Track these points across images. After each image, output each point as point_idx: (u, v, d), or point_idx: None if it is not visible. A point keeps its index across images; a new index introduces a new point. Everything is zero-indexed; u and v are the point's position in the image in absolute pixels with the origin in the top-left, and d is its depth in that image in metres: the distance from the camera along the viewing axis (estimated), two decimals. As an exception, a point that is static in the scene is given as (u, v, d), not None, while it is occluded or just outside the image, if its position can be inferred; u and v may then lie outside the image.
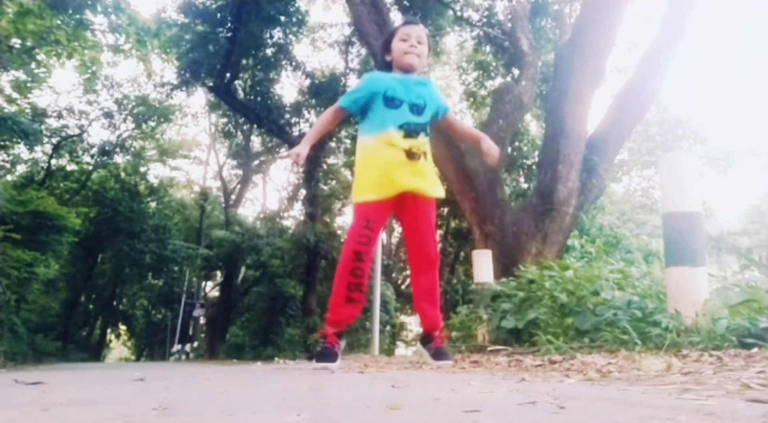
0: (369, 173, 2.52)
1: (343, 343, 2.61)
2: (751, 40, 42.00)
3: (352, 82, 14.68)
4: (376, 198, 2.47)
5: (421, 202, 2.53)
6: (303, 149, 2.56)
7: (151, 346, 27.81)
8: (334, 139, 15.81)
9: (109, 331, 26.32)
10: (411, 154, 2.49)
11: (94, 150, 19.32)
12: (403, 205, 2.53)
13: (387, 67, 2.73)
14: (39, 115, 16.55)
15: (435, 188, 2.56)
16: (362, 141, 2.60)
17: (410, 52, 2.62)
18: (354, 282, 2.46)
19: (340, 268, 2.49)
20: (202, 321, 22.48)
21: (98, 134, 33.64)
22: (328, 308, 2.57)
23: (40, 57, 13.69)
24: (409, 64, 2.62)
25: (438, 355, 2.54)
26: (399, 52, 2.64)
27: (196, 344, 22.03)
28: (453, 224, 16.58)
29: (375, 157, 2.51)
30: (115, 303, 25.09)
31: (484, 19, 11.86)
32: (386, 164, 2.48)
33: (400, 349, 19.77)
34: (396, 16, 11.90)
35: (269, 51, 13.84)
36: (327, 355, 2.46)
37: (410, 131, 2.52)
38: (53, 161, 18.86)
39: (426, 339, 2.63)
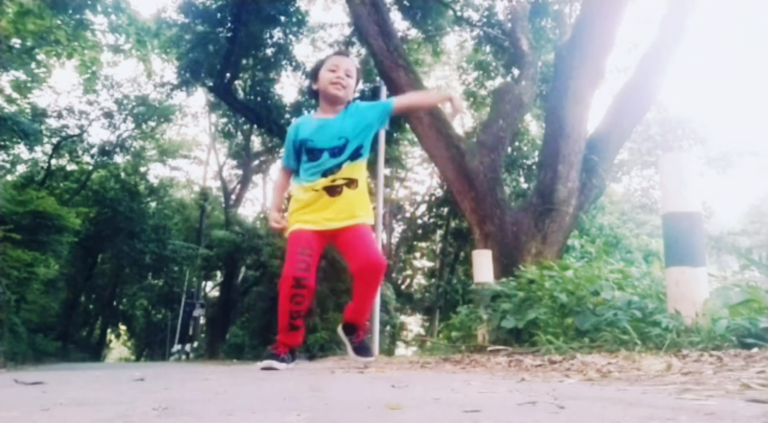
0: (297, 213, 2.65)
1: (292, 364, 2.70)
2: (751, 40, 42.02)
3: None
4: (307, 228, 2.58)
5: (350, 228, 2.61)
6: (276, 216, 2.78)
7: (151, 346, 27.81)
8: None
9: (109, 331, 26.34)
10: (332, 190, 2.60)
11: (94, 150, 19.35)
12: (336, 235, 2.64)
13: (313, 95, 2.80)
14: (39, 115, 16.57)
15: (362, 217, 2.63)
16: (293, 186, 2.76)
17: (337, 83, 2.63)
18: (294, 310, 2.50)
19: (281, 296, 2.53)
20: (202, 321, 22.47)
21: (98, 134, 33.71)
22: (278, 329, 2.63)
23: (40, 57, 13.70)
24: (335, 95, 2.66)
25: (360, 349, 2.71)
26: (325, 82, 2.65)
27: (196, 344, 22.03)
28: (453, 224, 16.57)
29: (301, 201, 2.65)
30: (115, 303, 25.10)
31: (484, 19, 11.85)
32: (310, 207, 2.62)
33: (400, 349, 19.77)
34: (396, 16, 11.91)
35: (269, 51, 13.83)
36: (275, 357, 2.58)
37: (330, 172, 2.61)
38: (53, 161, 18.87)
39: (349, 328, 2.76)
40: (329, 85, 2.63)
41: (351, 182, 2.61)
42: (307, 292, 2.49)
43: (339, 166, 2.60)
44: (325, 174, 2.60)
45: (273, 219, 2.77)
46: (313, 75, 2.75)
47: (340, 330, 2.82)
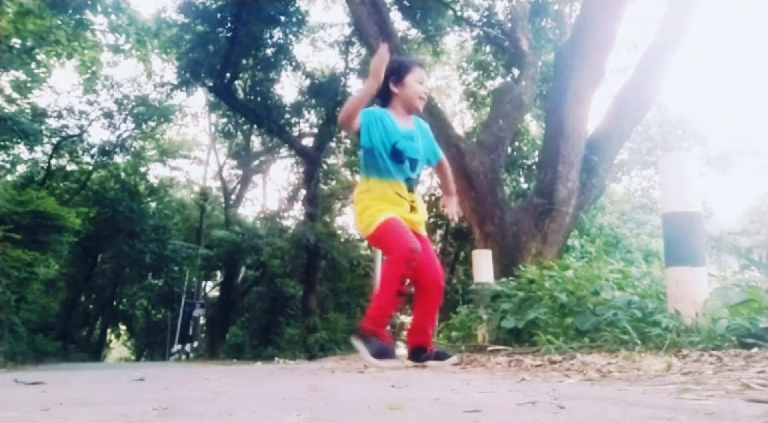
0: (378, 202, 2.61)
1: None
2: (751, 40, 42.02)
3: (352, 82, 14.61)
4: (398, 216, 2.59)
5: (421, 237, 2.70)
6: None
7: (151, 346, 27.81)
8: (334, 139, 15.80)
9: (109, 331, 26.32)
10: (412, 208, 2.70)
11: (94, 150, 19.32)
12: None
13: (385, 94, 2.69)
14: (39, 115, 16.55)
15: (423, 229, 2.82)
16: (371, 182, 2.65)
17: (423, 99, 2.71)
18: (409, 274, 2.51)
19: (395, 271, 2.46)
20: (202, 321, 22.48)
21: (98, 134, 33.68)
22: (378, 308, 2.54)
23: (40, 57, 13.71)
24: (418, 108, 2.72)
25: (441, 356, 2.67)
26: (413, 94, 2.68)
27: (196, 344, 22.03)
28: (453, 224, 16.55)
29: (385, 198, 2.63)
30: (115, 303, 25.08)
31: (484, 19, 11.85)
32: (395, 208, 2.62)
33: (401, 349, 19.73)
34: (396, 16, 11.91)
35: (269, 51, 13.84)
36: (388, 353, 2.48)
37: (411, 187, 2.70)
38: (53, 161, 18.86)
39: (418, 352, 2.70)
40: (417, 98, 2.69)
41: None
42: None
43: (414, 184, 2.70)
44: (407, 182, 2.65)
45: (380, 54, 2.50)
46: (398, 77, 2.67)
47: (408, 361, 2.70)
